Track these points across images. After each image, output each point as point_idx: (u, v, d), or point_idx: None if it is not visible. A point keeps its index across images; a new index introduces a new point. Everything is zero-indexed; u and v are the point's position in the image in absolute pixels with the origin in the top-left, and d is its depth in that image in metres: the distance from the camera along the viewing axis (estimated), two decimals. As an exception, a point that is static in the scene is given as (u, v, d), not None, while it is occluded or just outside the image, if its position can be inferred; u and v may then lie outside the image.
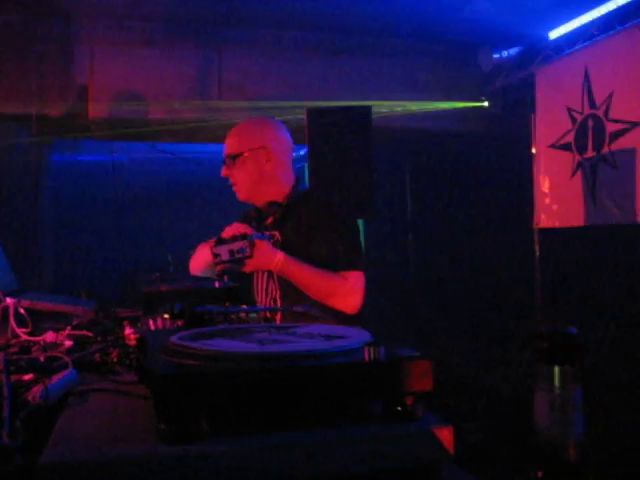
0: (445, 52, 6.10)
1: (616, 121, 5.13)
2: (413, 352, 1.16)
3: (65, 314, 2.71)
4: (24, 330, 2.29)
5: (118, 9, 5.40)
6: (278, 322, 2.27)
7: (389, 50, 6.02)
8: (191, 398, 1.07)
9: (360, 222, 3.85)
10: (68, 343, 2.10)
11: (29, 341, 2.16)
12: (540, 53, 5.93)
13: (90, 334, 2.24)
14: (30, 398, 1.41)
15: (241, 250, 2.31)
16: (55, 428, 1.22)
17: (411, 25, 5.78)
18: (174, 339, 1.26)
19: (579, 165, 5.53)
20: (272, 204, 2.63)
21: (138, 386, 1.42)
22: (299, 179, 2.76)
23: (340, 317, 2.24)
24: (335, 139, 4.78)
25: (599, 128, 5.30)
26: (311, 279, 2.40)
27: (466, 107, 6.30)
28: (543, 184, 5.93)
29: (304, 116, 4.84)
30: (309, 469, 1.09)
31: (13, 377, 1.53)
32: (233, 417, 1.13)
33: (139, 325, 2.11)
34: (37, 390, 1.43)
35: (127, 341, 1.95)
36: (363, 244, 2.70)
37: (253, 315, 2.07)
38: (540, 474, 0.69)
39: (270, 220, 2.66)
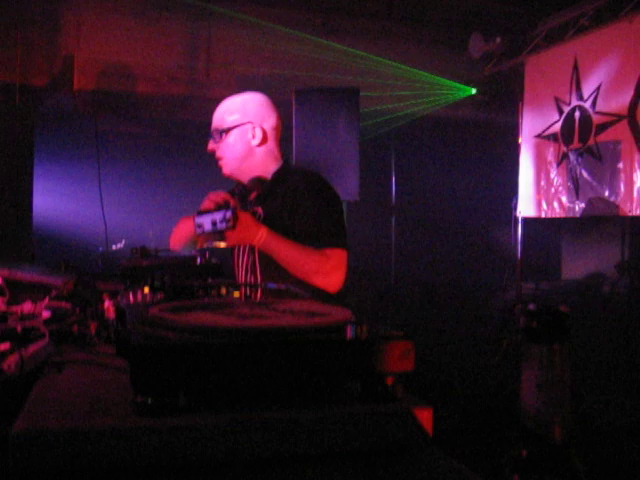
0: (436, 37, 6.08)
1: (603, 113, 5.14)
2: (395, 332, 1.15)
3: (44, 285, 2.68)
4: (1, 300, 2.26)
5: (107, -21, 5.33)
6: (258, 299, 2.26)
7: (379, 33, 5.99)
8: (168, 371, 1.05)
9: (344, 203, 3.84)
10: (46, 314, 2.08)
11: (6, 311, 2.13)
12: (530, 42, 5.92)
13: (69, 306, 2.21)
14: (5, 367, 1.39)
15: (224, 220, 2.28)
16: (29, 398, 1.20)
17: (403, 9, 5.75)
18: (153, 311, 1.25)
19: (564, 156, 5.55)
20: (257, 180, 2.61)
21: (115, 359, 1.41)
22: (285, 156, 2.73)
23: (321, 296, 2.23)
24: (322, 120, 4.76)
25: (586, 120, 5.32)
26: (293, 255, 2.39)
27: (455, 94, 6.28)
28: (528, 173, 5.95)
29: (291, 95, 4.81)
30: (285, 447, 1.08)
31: (-12, 346, 1.51)
32: (211, 391, 1.11)
33: (119, 298, 2.09)
34: (12, 359, 1.41)
35: (106, 314, 1.93)
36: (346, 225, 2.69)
37: (235, 292, 2.05)
38: (524, 453, 0.68)
39: (254, 196, 2.65)
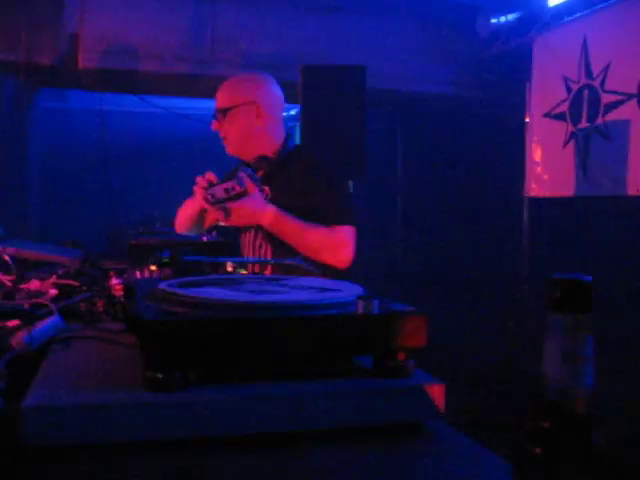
0: (443, 15, 6.00)
1: (612, 92, 5.09)
2: (407, 307, 1.14)
3: (51, 263, 2.68)
4: (9, 278, 2.26)
5: (111, -44, 5.29)
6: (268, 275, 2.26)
7: (386, 11, 5.92)
8: (178, 345, 1.05)
9: (350, 182, 3.83)
10: (53, 291, 2.08)
11: (14, 288, 2.13)
12: (539, 20, 5.85)
13: (76, 283, 2.21)
14: (14, 343, 1.39)
15: (237, 184, 2.30)
16: (38, 373, 1.20)
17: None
18: (162, 286, 1.24)
19: (572, 135, 5.51)
20: (262, 159, 2.61)
21: (123, 335, 1.40)
22: (289, 135, 2.74)
23: (331, 272, 2.23)
24: (328, 99, 4.73)
25: (594, 99, 5.26)
26: (302, 233, 2.39)
27: (461, 72, 6.23)
28: (535, 153, 5.91)
29: (298, 74, 4.77)
30: (296, 422, 1.07)
31: (-4, 323, 1.51)
32: (221, 366, 1.10)
33: (126, 276, 2.09)
34: (21, 335, 1.41)
35: (113, 291, 1.93)
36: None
37: (242, 270, 2.04)
38: (547, 425, 0.67)
39: (260, 174, 2.64)
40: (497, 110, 6.14)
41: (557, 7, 5.73)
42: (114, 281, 2.00)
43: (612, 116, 5.07)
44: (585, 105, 5.37)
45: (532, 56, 5.91)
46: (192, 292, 1.18)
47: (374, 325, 1.11)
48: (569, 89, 5.53)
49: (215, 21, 5.55)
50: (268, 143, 2.64)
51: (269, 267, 2.41)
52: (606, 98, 5.12)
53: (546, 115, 5.79)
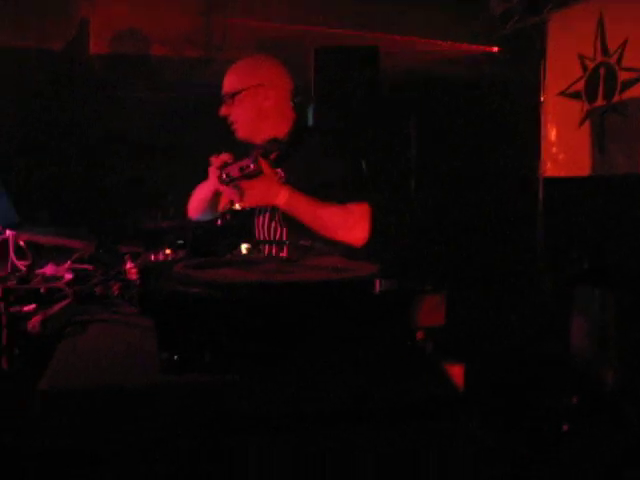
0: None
1: (629, 69, 5.02)
2: (425, 285, 1.12)
3: (65, 248, 2.68)
4: (24, 263, 2.26)
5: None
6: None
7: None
8: (193, 326, 1.03)
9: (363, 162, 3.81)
10: (68, 276, 2.08)
11: (29, 273, 2.13)
12: (553, -2, 5.78)
13: (91, 268, 2.21)
14: (30, 327, 1.39)
15: (252, 162, 2.30)
16: (54, 357, 1.19)
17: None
18: (178, 268, 1.23)
19: (588, 114, 5.44)
20: (273, 141, 2.61)
21: (139, 318, 1.40)
22: (299, 116, 2.74)
23: (348, 252, 2.22)
24: (341, 80, 4.71)
25: (611, 76, 5.20)
26: (317, 212, 2.39)
27: (475, 52, 6.17)
28: (551, 132, 5.85)
29: (310, 56, 4.75)
30: (314, 403, 1.06)
31: (12, 308, 1.51)
32: (237, 348, 1.09)
33: (140, 260, 2.08)
34: (37, 319, 1.41)
35: (128, 275, 1.92)
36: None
37: (257, 252, 2.03)
38: (575, 400, 0.65)
39: (272, 157, 2.63)
40: (512, 89, 6.07)
41: (572, -16, 5.66)
42: (129, 265, 1.99)
43: (629, 94, 5.01)
44: (601, 83, 5.30)
45: (547, 34, 5.84)
46: (207, 273, 1.17)
47: (391, 304, 1.10)
48: (585, 67, 5.47)
49: (227, 3, 5.52)
50: (278, 125, 2.63)
51: (284, 249, 2.40)
52: (623, 75, 5.05)
53: (561, 94, 5.73)
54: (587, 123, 5.44)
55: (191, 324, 1.03)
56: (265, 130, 2.62)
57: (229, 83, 2.64)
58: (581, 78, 5.50)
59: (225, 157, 2.43)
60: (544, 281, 5.55)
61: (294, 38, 5.35)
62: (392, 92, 6.09)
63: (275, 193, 2.36)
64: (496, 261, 6.03)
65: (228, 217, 3.00)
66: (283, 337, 1.07)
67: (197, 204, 2.80)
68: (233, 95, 2.60)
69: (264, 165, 2.33)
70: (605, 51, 5.24)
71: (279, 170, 2.54)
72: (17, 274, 2.11)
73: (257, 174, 2.30)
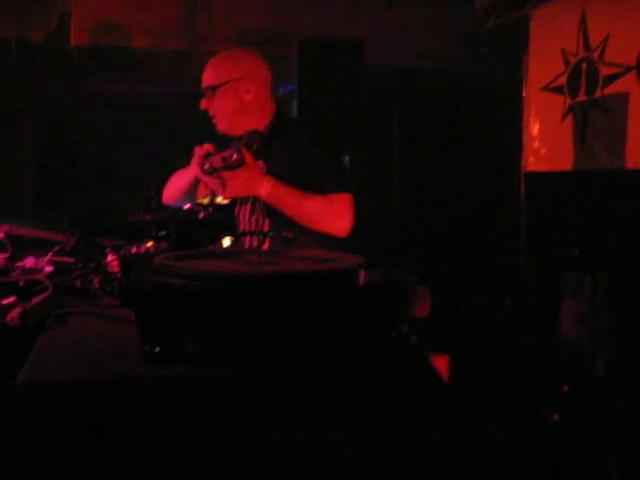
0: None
1: (611, 64, 5.04)
2: (410, 276, 1.11)
3: (46, 241, 2.65)
4: (3, 255, 2.23)
5: None
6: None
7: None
8: (175, 317, 1.02)
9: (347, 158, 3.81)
10: (48, 269, 2.06)
11: (8, 265, 2.11)
12: (537, -7, 5.79)
13: (71, 260, 2.18)
14: (8, 319, 1.37)
15: (237, 151, 2.30)
16: (33, 349, 1.18)
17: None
18: (159, 259, 1.21)
19: (570, 109, 5.46)
20: (254, 133, 2.61)
21: (120, 310, 1.38)
22: (280, 108, 2.75)
23: (330, 244, 2.22)
24: (325, 73, 4.70)
25: (593, 71, 5.22)
26: (300, 202, 2.40)
27: (458, 46, 6.17)
28: (533, 127, 5.87)
29: (294, 49, 4.74)
30: (297, 395, 1.05)
31: (-9, 300, 1.49)
32: (219, 340, 1.08)
33: (122, 252, 2.06)
34: (15, 312, 1.39)
35: (109, 268, 1.90)
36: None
37: (239, 245, 2.02)
38: (566, 389, 0.64)
39: (254, 148, 2.63)
40: (494, 84, 6.08)
41: (555, -21, 5.67)
42: (110, 257, 1.98)
43: (611, 89, 5.03)
44: (583, 78, 5.32)
45: (530, 29, 5.85)
46: (188, 264, 1.15)
47: (375, 295, 1.09)
48: (567, 62, 5.48)
49: (210, -6, 5.48)
50: (259, 118, 2.64)
51: (267, 241, 2.39)
52: (605, 70, 5.07)
53: (544, 89, 5.74)
54: (569, 118, 5.46)
55: (173, 315, 1.01)
56: (246, 123, 2.62)
57: (209, 76, 2.64)
58: (563, 73, 5.51)
59: (208, 147, 2.44)
60: (528, 274, 5.58)
61: (278, 31, 5.33)
62: (375, 87, 6.09)
63: (258, 184, 2.37)
64: (479, 254, 6.05)
65: (211, 210, 2.99)
66: (267, 329, 1.06)
67: (175, 191, 2.82)
68: (214, 88, 2.60)
69: (247, 156, 2.33)
70: (587, 46, 5.26)
71: (260, 162, 2.55)
72: (-4, 266, 2.08)
73: (240, 164, 2.31)
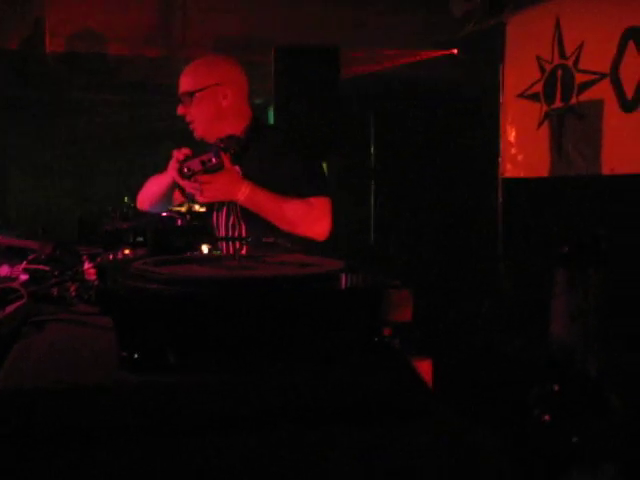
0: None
1: (585, 72, 5.08)
2: (392, 281, 1.10)
3: (21, 249, 2.61)
4: (-23, 264, 2.20)
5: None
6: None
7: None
8: (153, 322, 1.00)
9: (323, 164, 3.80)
10: (24, 277, 2.03)
11: (-18, 274, 2.07)
12: (512, 0, 5.83)
13: (47, 268, 2.15)
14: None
15: (213, 156, 2.30)
16: (8, 357, 1.15)
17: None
18: (137, 265, 1.19)
19: (546, 115, 5.50)
20: (230, 138, 2.61)
21: (97, 317, 1.36)
22: (255, 114, 2.76)
23: (309, 249, 2.21)
24: (301, 80, 4.69)
25: (568, 78, 5.26)
26: (278, 206, 2.40)
27: (435, 54, 6.20)
28: (510, 134, 5.90)
29: (270, 55, 4.73)
30: (279, 403, 1.03)
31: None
32: (199, 345, 1.06)
33: (99, 260, 2.04)
34: (-11, 320, 1.36)
35: (86, 275, 1.88)
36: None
37: (217, 252, 2.00)
38: (557, 389, 0.63)
39: (231, 153, 2.63)
40: (471, 91, 6.11)
41: (530, -13, 5.71)
42: (87, 265, 1.95)
43: (586, 95, 5.07)
44: (559, 85, 5.35)
45: (506, 36, 5.89)
46: (167, 269, 1.13)
47: (357, 300, 1.07)
48: (543, 69, 5.52)
49: (185, 2, 5.46)
50: (236, 123, 2.64)
51: (245, 247, 2.39)
52: (580, 77, 5.11)
53: (520, 96, 5.78)
54: (545, 124, 5.49)
55: (151, 321, 0.99)
56: (223, 129, 2.62)
57: (186, 82, 2.64)
58: (539, 80, 5.55)
59: (186, 151, 2.43)
60: (506, 280, 5.60)
61: (254, 37, 5.32)
62: (352, 93, 6.10)
63: (236, 188, 2.37)
64: (457, 260, 6.07)
65: (188, 217, 2.97)
66: (247, 334, 1.04)
67: (150, 196, 2.80)
68: (191, 94, 2.60)
69: (225, 159, 2.33)
70: (562, 53, 5.30)
71: (236, 167, 2.54)
72: (-30, 275, 2.05)
73: (219, 168, 2.30)
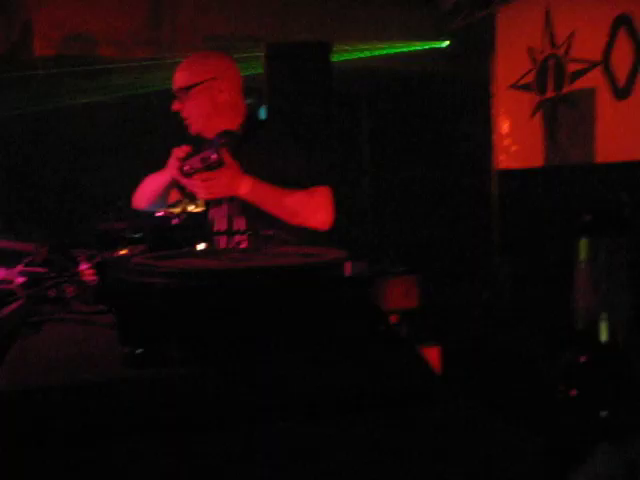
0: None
1: (576, 60, 5.08)
2: (397, 267, 1.08)
3: (17, 252, 2.59)
4: (-27, 267, 2.17)
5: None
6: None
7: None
8: (156, 317, 0.98)
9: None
10: (20, 279, 2.01)
11: (-22, 277, 2.05)
12: (501, -9, 5.82)
13: (44, 270, 2.13)
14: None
15: (214, 152, 2.28)
16: (7, 357, 1.13)
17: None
18: (137, 259, 1.17)
19: (539, 105, 5.49)
20: (226, 134, 2.58)
21: (96, 316, 1.34)
22: (251, 109, 2.77)
23: (309, 240, 2.20)
24: (293, 75, 4.68)
25: (559, 68, 5.25)
26: (281, 198, 2.38)
27: (426, 47, 6.19)
28: (503, 125, 5.90)
29: (262, 53, 4.71)
30: (286, 394, 1.01)
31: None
32: (203, 338, 1.04)
33: (96, 259, 2.02)
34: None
35: (83, 276, 1.86)
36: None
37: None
38: (583, 359, 0.61)
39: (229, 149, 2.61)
40: (463, 83, 6.10)
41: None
42: (84, 266, 1.93)
43: (578, 84, 5.06)
44: (551, 75, 5.35)
45: (496, 28, 5.88)
46: (168, 263, 1.11)
47: (363, 287, 1.06)
48: (534, 60, 5.52)
49: (175, 3, 5.43)
50: (232, 118, 2.63)
51: (245, 240, 2.38)
52: (571, 67, 5.11)
53: (512, 87, 5.78)
54: (538, 114, 5.49)
55: (153, 315, 0.97)
56: (219, 124, 2.60)
57: (181, 78, 2.61)
58: (531, 70, 5.55)
59: (186, 148, 2.42)
60: (502, 270, 5.60)
61: (244, 37, 5.30)
62: (344, 87, 6.09)
63: (238, 183, 2.35)
64: (454, 252, 6.06)
65: (183, 217, 2.95)
66: (252, 325, 1.02)
67: (148, 194, 2.78)
68: (187, 89, 2.57)
69: (225, 155, 2.31)
70: (553, 43, 5.30)
71: (236, 162, 2.53)
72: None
73: (219, 165, 2.28)
